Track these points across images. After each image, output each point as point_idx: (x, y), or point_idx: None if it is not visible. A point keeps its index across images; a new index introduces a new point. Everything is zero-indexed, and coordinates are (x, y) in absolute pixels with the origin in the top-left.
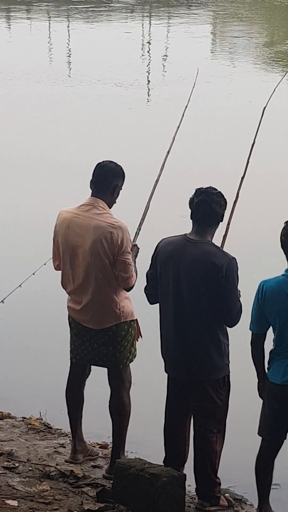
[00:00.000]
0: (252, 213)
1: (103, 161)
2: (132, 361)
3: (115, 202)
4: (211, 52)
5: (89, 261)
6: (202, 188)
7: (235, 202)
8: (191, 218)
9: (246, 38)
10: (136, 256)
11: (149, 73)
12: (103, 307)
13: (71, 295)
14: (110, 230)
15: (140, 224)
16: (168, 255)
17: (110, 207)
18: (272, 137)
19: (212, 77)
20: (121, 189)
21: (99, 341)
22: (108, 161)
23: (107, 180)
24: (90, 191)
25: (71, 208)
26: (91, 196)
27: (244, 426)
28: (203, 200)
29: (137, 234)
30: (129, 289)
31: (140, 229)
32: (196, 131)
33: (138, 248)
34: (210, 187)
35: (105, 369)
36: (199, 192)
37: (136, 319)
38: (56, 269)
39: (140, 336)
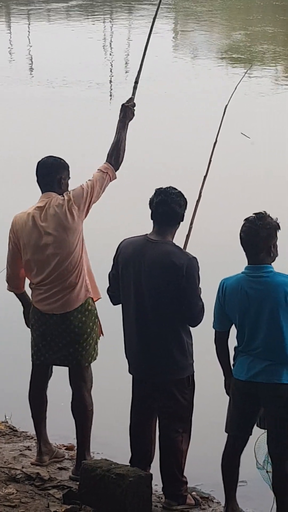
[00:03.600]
0: (215, 212)
1: (41, 159)
2: (95, 359)
3: None
4: (173, 49)
5: (56, 246)
6: (161, 188)
7: (197, 201)
8: (151, 219)
9: (207, 35)
10: (128, 118)
11: (111, 72)
12: (71, 286)
13: (38, 286)
14: (60, 202)
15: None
16: (129, 255)
17: None
18: (233, 135)
19: (174, 74)
20: (66, 180)
21: (64, 340)
22: (46, 157)
23: (49, 176)
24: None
25: (27, 209)
26: (42, 193)
27: (210, 425)
28: (163, 200)
29: (135, 88)
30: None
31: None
32: (158, 129)
33: (134, 107)
34: (169, 187)
35: None
36: (159, 192)
37: (98, 318)
38: (10, 277)
39: (101, 334)
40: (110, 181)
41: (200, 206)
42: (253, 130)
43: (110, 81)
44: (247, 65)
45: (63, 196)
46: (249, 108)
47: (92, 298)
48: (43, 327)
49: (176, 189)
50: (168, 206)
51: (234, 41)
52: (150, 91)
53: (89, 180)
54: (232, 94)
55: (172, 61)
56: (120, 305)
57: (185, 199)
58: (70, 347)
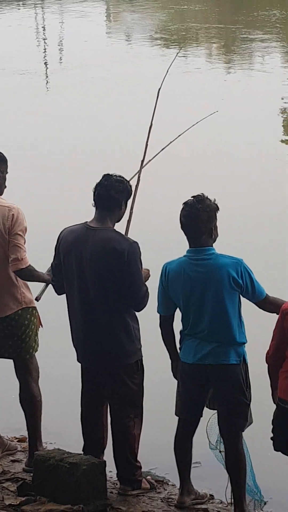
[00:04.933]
0: (157, 196)
1: None
2: (37, 350)
3: (5, 187)
4: (107, 34)
5: None
6: (107, 174)
7: (136, 186)
8: (93, 205)
9: (140, 17)
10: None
11: (45, 60)
12: (4, 292)
13: None
14: (6, 210)
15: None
16: (70, 244)
17: (0, 194)
18: (170, 117)
19: (109, 59)
20: (4, 174)
21: (2, 333)
22: None
23: None
24: None
25: None
26: None
27: (161, 409)
28: (101, 185)
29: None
30: (19, 272)
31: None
32: (97, 115)
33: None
34: (115, 173)
35: None
36: (102, 177)
37: (36, 309)
38: None
39: (40, 325)
40: (15, 262)
41: (143, 191)
42: (187, 108)
43: (45, 64)
44: (181, 45)
45: (10, 207)
46: (184, 87)
47: (27, 308)
48: None
49: (121, 176)
50: (106, 191)
51: (166, 21)
52: (86, 77)
53: (20, 247)
54: (164, 78)
55: (106, 44)
56: (65, 294)
57: (126, 185)
58: (8, 339)
